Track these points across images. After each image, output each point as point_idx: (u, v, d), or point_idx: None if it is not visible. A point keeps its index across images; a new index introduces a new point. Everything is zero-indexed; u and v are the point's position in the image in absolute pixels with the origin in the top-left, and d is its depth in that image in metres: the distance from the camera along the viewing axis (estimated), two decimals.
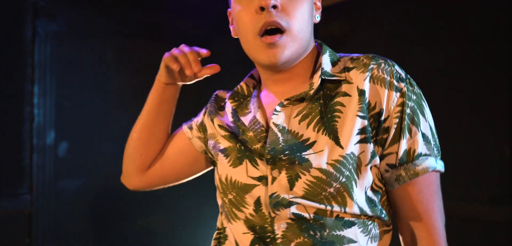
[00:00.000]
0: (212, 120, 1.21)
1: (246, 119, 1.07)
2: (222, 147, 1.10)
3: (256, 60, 1.03)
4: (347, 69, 0.99)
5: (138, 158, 1.38)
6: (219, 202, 1.13)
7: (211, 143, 1.17)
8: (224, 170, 1.06)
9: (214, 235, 1.19)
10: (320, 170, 0.90)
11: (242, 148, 1.03)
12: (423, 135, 0.98)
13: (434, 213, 0.99)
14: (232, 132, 1.09)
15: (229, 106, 1.14)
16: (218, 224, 1.18)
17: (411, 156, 0.97)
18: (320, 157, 0.91)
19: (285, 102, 0.99)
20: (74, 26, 3.30)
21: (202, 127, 1.31)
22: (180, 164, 1.28)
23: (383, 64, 0.98)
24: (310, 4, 0.99)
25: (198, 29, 4.07)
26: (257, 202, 0.97)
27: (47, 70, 3.14)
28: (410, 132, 0.97)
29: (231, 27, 1.16)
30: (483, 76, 2.80)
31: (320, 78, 0.96)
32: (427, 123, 1.00)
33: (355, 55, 1.05)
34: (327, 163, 0.90)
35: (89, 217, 3.35)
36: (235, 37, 1.15)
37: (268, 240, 0.93)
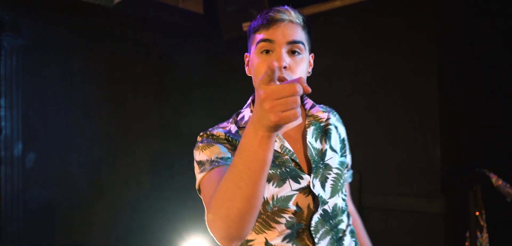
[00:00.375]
0: (232, 144, 1.31)
1: (275, 147, 1.24)
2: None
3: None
4: (327, 110, 1.48)
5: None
6: None
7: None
8: (270, 192, 1.22)
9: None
10: (338, 161, 1.35)
11: (283, 169, 1.23)
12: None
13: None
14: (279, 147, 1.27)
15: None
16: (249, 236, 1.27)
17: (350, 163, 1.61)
18: (337, 159, 1.33)
19: (310, 132, 1.32)
20: (39, 40, 3.34)
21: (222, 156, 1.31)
22: None
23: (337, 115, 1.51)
24: (306, 64, 1.29)
25: (159, 41, 4.23)
26: (297, 206, 1.21)
27: (13, 83, 3.17)
28: (348, 149, 1.55)
29: (246, 68, 1.38)
30: (419, 88, 3.23)
31: (323, 123, 1.40)
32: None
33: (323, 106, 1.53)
34: (339, 159, 1.35)
35: (56, 226, 3.39)
36: (249, 75, 1.37)
37: (300, 230, 1.20)
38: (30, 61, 3.27)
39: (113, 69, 3.81)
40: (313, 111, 1.33)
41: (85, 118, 3.60)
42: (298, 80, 0.89)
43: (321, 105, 1.47)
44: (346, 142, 1.47)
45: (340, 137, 1.41)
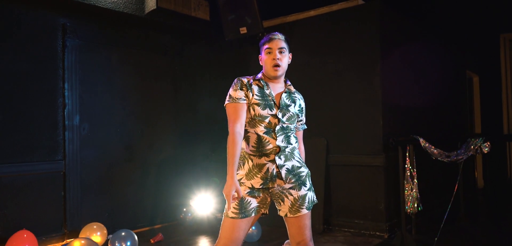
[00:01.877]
0: (251, 91, 2.28)
1: (266, 94, 2.29)
2: (255, 102, 2.27)
3: (269, 74, 2.32)
4: (293, 88, 2.52)
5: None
6: (247, 121, 2.26)
7: (253, 100, 2.27)
8: (258, 110, 2.24)
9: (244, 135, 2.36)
10: (295, 114, 2.34)
11: (265, 102, 2.26)
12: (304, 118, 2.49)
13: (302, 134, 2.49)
14: (260, 96, 2.28)
15: (255, 87, 2.30)
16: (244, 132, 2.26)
17: (302, 122, 2.47)
18: (294, 111, 2.34)
19: (284, 95, 2.43)
20: (90, 40, 4.50)
21: (249, 95, 2.27)
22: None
23: (300, 95, 2.48)
24: (287, 58, 2.35)
25: (175, 41, 5.39)
26: (270, 122, 2.23)
27: (73, 72, 4.33)
28: (304, 115, 2.48)
29: (260, 61, 2.37)
30: (368, 77, 4.43)
31: (288, 88, 2.46)
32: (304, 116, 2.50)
33: (289, 83, 2.53)
34: (295, 111, 2.41)
35: (101, 177, 4.56)
36: (261, 63, 2.38)
37: (272, 134, 2.21)
38: (83, 56, 4.43)
39: (140, 63, 4.98)
40: (289, 87, 2.46)
41: (120, 99, 4.76)
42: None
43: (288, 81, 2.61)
44: (303, 109, 2.52)
45: (300, 106, 2.48)
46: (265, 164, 2.18)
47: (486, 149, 4.43)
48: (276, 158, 2.19)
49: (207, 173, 5.45)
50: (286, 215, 2.20)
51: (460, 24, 7.88)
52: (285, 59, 2.35)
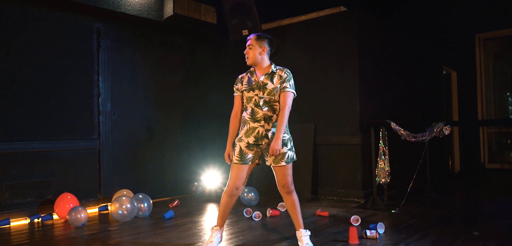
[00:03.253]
0: (242, 83, 3.19)
1: (251, 80, 3.14)
2: (244, 89, 3.15)
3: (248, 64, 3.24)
4: (279, 70, 3.38)
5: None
6: (244, 102, 3.18)
7: (242, 88, 3.17)
8: (246, 94, 3.12)
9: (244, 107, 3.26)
10: (275, 87, 3.13)
11: (250, 86, 3.20)
12: (290, 86, 3.17)
13: (287, 101, 3.10)
14: (247, 83, 3.14)
15: (246, 77, 3.19)
16: (244, 106, 3.18)
17: (284, 88, 3.16)
18: (276, 87, 3.22)
19: (262, 77, 3.32)
20: (118, 41, 5.44)
21: (239, 88, 3.21)
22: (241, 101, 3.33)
23: (284, 71, 3.36)
24: (257, 51, 3.16)
25: (187, 42, 6.32)
26: (255, 99, 3.07)
27: (105, 67, 5.27)
28: (286, 82, 3.32)
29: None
30: (348, 71, 5.35)
31: (271, 70, 3.32)
32: (289, 83, 3.16)
33: (280, 67, 3.40)
34: (273, 86, 3.30)
35: (128, 154, 5.51)
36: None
37: (258, 107, 3.10)
38: (114, 54, 5.37)
39: (158, 60, 5.92)
40: (271, 69, 3.29)
41: (142, 90, 5.71)
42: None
43: (280, 66, 3.41)
44: (285, 80, 3.08)
45: (281, 78, 3.19)
46: (256, 127, 3.09)
47: (447, 132, 5.35)
48: (264, 123, 3.09)
49: (213, 153, 6.39)
50: (271, 164, 3.11)
51: (438, 25, 8.80)
52: (252, 52, 3.15)
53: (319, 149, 5.59)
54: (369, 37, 5.62)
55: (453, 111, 8.71)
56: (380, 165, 5.16)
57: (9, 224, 4.28)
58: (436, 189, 6.08)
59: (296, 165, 5.62)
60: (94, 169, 5.14)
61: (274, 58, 5.90)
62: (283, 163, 3.07)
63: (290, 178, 3.13)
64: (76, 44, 5.01)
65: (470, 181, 7.48)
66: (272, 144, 2.97)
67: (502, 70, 8.66)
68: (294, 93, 3.18)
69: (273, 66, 3.21)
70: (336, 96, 5.46)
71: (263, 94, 3.12)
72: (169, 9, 5.48)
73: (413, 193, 5.40)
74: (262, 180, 5.76)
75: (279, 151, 2.99)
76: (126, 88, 5.51)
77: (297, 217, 3.15)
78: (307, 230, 3.17)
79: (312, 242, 3.15)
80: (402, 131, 5.27)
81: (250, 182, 5.87)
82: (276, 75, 3.16)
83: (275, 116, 3.14)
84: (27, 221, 4.45)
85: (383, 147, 5.17)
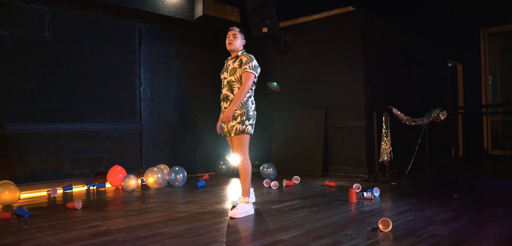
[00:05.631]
0: (226, 64, 3.86)
1: (225, 65, 3.84)
2: (222, 73, 3.84)
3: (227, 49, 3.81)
4: (242, 54, 4.02)
5: None
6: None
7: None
8: (224, 75, 3.76)
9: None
10: (234, 68, 3.70)
11: (223, 69, 3.88)
12: (249, 67, 3.64)
13: (246, 80, 3.60)
14: (223, 67, 3.86)
15: (225, 63, 3.87)
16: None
17: (244, 68, 3.64)
18: (235, 68, 3.71)
19: (230, 60, 3.99)
20: (155, 37, 6.34)
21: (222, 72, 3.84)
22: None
23: (247, 55, 3.77)
24: (239, 42, 3.76)
25: (213, 38, 7.17)
26: (223, 81, 3.74)
27: (145, 60, 6.19)
28: (246, 64, 3.69)
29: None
30: (355, 64, 6.11)
31: (236, 55, 3.98)
32: (249, 64, 3.64)
33: (244, 52, 4.04)
34: (234, 66, 3.94)
35: (163, 135, 6.42)
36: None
37: (223, 88, 3.72)
38: (152, 49, 6.28)
39: (189, 54, 6.81)
40: (238, 54, 3.78)
41: (176, 80, 6.60)
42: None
43: (244, 51, 3.90)
44: (244, 62, 3.50)
45: (240, 61, 3.53)
46: (222, 106, 3.72)
47: (443, 117, 6.07)
48: (223, 102, 3.69)
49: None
50: (227, 134, 3.70)
51: (445, 21, 9.42)
52: (236, 40, 3.69)
53: (329, 132, 6.37)
54: (374, 34, 6.35)
55: (458, 99, 9.33)
56: (383, 145, 5.93)
57: (72, 189, 5.24)
58: (436, 170, 6.78)
59: (309, 144, 6.46)
60: (136, 147, 6.06)
61: (290, 52, 6.74)
62: (233, 134, 3.58)
63: (241, 149, 3.60)
64: (122, 42, 5.92)
65: (471, 164, 8.10)
66: (221, 115, 3.65)
67: (509, 63, 9.23)
68: (254, 74, 3.63)
69: (239, 52, 3.75)
70: (345, 85, 6.23)
71: (227, 75, 3.69)
72: (199, 10, 6.35)
73: (413, 172, 6.13)
74: (279, 158, 6.60)
75: (228, 121, 3.53)
76: (162, 78, 6.41)
77: (243, 184, 3.60)
78: (249, 198, 3.60)
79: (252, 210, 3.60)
80: (402, 116, 6.00)
81: (268, 158, 6.71)
82: (239, 59, 3.67)
83: (231, 96, 3.63)
84: (85, 187, 5.40)
85: (385, 130, 5.92)
